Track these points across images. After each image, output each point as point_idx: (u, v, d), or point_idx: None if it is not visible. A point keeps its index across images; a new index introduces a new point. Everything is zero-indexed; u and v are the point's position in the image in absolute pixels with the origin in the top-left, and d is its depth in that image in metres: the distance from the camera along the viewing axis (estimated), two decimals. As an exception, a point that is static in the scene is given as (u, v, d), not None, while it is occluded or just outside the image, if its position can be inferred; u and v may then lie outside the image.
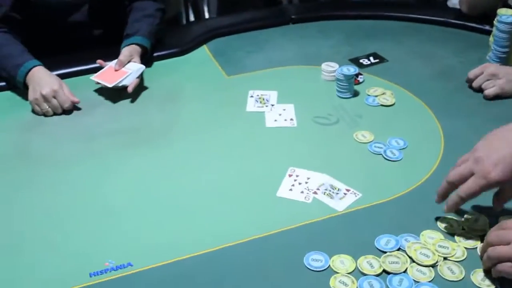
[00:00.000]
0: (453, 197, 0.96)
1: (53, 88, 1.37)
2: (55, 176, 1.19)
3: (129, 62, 1.48)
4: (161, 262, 0.97)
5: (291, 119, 1.33)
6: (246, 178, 1.16)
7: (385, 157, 1.19)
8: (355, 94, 1.41)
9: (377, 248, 0.97)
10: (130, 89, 1.42)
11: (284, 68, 1.55)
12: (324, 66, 1.48)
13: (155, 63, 1.59)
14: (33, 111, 1.40)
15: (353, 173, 1.16)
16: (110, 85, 1.42)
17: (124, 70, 1.45)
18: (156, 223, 1.06)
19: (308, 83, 1.48)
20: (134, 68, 1.46)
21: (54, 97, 1.37)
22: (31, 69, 1.41)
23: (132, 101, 1.43)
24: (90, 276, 0.94)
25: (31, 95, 1.38)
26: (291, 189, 1.12)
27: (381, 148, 1.22)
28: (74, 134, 1.33)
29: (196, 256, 0.98)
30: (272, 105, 1.38)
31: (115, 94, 1.45)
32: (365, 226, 1.02)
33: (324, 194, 1.10)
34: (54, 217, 1.08)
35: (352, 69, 1.39)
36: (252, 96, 1.42)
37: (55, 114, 1.38)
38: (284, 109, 1.37)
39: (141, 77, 1.48)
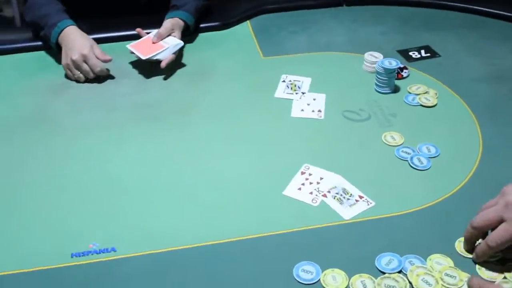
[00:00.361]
0: (481, 246, 0.87)
1: (82, 52, 1.34)
2: (67, 145, 1.17)
3: (168, 36, 1.42)
4: (145, 251, 0.92)
5: (319, 111, 1.24)
6: (255, 170, 1.09)
7: (411, 164, 1.09)
8: (395, 90, 1.30)
9: (376, 267, 0.88)
10: (163, 65, 1.37)
11: (325, 54, 1.46)
12: (367, 55, 1.38)
13: (193, 36, 1.54)
14: (66, 76, 1.38)
15: (372, 178, 1.06)
16: (143, 58, 1.37)
17: (161, 43, 1.40)
18: (151, 209, 1.01)
19: (347, 72, 1.38)
20: (172, 43, 1.40)
21: (85, 61, 1.35)
22: (63, 29, 1.38)
23: (162, 75, 1.38)
24: (71, 257, 0.92)
25: (63, 60, 1.36)
26: (299, 188, 1.04)
27: (408, 154, 1.11)
28: (97, 102, 1.30)
29: (179, 250, 0.93)
30: (303, 93, 1.30)
31: (147, 65, 1.41)
32: (369, 240, 0.94)
33: (334, 198, 1.02)
34: (55, 187, 1.06)
35: (394, 63, 1.27)
36: (284, 81, 1.34)
37: (88, 79, 1.36)
38: (314, 99, 1.28)
39: (177, 53, 1.43)
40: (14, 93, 1.35)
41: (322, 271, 0.87)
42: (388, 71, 1.27)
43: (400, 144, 1.14)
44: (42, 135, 1.20)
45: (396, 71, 1.31)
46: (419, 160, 1.09)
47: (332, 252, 0.91)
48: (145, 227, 0.98)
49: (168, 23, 1.43)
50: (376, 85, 1.30)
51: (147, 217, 1.00)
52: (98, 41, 1.44)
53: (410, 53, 1.44)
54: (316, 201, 1.02)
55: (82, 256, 0.92)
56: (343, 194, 1.03)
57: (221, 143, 1.17)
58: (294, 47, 1.48)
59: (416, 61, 1.41)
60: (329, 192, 1.03)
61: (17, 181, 1.08)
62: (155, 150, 1.15)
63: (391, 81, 1.29)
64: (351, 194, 1.03)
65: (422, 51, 1.45)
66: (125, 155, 1.14)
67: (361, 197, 1.02)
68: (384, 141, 1.15)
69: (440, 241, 0.92)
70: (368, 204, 1.01)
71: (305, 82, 1.34)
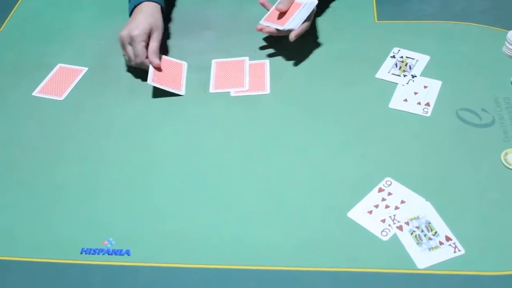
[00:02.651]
0: None
1: (132, 33, 1.04)
2: (116, 104, 1.04)
3: None
4: (158, 262, 0.78)
5: (427, 105, 0.97)
6: (322, 176, 0.87)
7: (532, 202, 0.80)
8: (540, 87, 0.98)
9: None
10: (292, 37, 1.04)
11: (458, 24, 1.14)
12: (510, 34, 1.05)
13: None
14: None
15: (471, 213, 0.80)
16: (281, 28, 1.05)
17: (297, 1, 1.07)
18: (184, 211, 0.85)
19: (480, 54, 1.06)
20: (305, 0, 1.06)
21: (130, 44, 1.05)
22: (141, 2, 1.12)
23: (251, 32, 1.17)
24: (81, 253, 0.80)
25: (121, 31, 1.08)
26: (370, 211, 0.81)
27: (533, 185, 0.82)
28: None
29: (198, 269, 0.77)
30: (413, 76, 1.02)
31: (226, 19, 1.20)
32: (441, 307, 0.70)
33: (412, 234, 0.78)
34: (91, 159, 0.94)
35: (543, 52, 0.95)
36: (393, 56, 1.07)
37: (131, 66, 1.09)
38: (426, 87, 1.00)
39: (312, 18, 1.08)
40: (80, 35, 1.21)
41: None
42: (532, 63, 0.95)
43: (525, 170, 0.85)
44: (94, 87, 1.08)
45: (547, 62, 0.98)
46: (545, 198, 0.80)
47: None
48: (161, 230, 0.83)
49: None
50: (514, 77, 0.99)
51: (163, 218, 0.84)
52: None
53: None
54: (387, 234, 0.78)
55: (92, 254, 0.79)
56: (424, 230, 0.78)
57: (286, 128, 0.95)
58: (421, 11, 1.17)
59: None
60: (407, 223, 0.79)
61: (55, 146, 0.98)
62: (218, 135, 0.97)
63: (535, 76, 0.97)
64: (435, 233, 0.78)
65: None
66: (177, 128, 0.98)
67: (448, 239, 0.77)
68: (503, 161, 0.86)
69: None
70: (455, 252, 0.76)
71: (421, 61, 1.05)
